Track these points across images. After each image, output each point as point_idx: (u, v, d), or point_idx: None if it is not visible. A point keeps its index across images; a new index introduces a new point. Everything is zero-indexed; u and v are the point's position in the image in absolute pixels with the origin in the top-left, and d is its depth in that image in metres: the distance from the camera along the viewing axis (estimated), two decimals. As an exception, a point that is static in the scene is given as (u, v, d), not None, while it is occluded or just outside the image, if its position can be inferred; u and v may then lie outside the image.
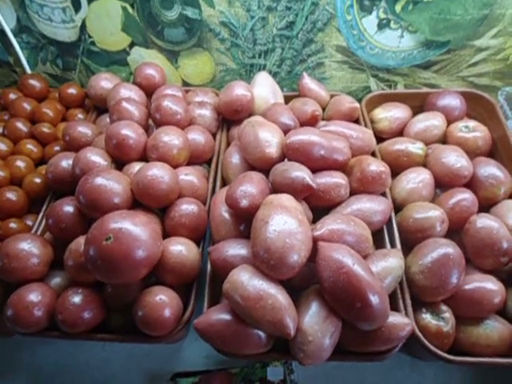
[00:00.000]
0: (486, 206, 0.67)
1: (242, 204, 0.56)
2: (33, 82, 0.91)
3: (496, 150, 0.76)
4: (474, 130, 0.74)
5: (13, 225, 0.70)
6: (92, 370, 0.69)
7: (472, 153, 0.72)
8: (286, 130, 0.67)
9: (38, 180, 0.75)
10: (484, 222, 0.60)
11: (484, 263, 0.60)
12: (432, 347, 0.54)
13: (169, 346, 0.70)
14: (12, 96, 0.89)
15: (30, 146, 0.81)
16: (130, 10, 0.86)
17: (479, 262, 0.61)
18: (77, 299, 0.56)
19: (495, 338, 0.56)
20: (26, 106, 0.87)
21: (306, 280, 0.54)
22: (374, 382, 0.66)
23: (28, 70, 0.98)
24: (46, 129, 0.84)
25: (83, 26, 0.89)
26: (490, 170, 0.68)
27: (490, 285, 0.57)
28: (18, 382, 0.69)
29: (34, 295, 0.57)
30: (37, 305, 0.56)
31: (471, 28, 0.80)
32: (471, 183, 0.68)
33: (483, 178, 0.67)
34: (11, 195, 0.73)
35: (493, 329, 0.57)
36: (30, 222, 0.73)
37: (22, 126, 0.84)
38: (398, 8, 0.79)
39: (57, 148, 0.81)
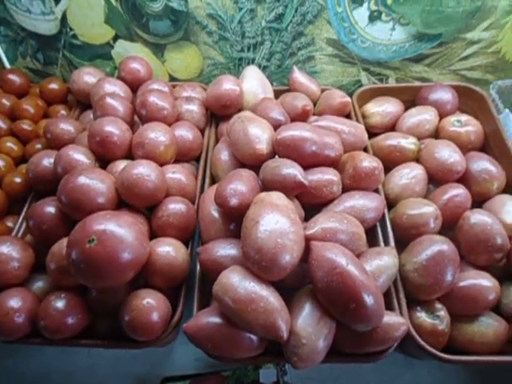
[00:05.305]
0: (480, 201, 0.67)
1: (232, 202, 0.54)
2: (12, 77, 0.88)
3: (488, 144, 0.75)
4: (466, 125, 0.74)
5: (-8, 227, 0.67)
6: (78, 376, 0.67)
7: (464, 147, 0.71)
8: (276, 126, 0.65)
9: (18, 180, 0.73)
10: (478, 217, 0.59)
11: (478, 259, 0.60)
12: (427, 347, 0.53)
13: (158, 349, 0.68)
14: (-10, 92, 0.86)
15: (10, 144, 0.79)
16: (113, 1, 0.82)
17: (473, 259, 0.60)
18: (60, 304, 0.54)
19: (490, 335, 0.56)
20: (5, 102, 0.84)
21: (298, 281, 0.53)
22: (368, 382, 0.65)
23: (7, 65, 0.95)
24: (26, 126, 0.81)
25: (64, 18, 0.86)
26: (483, 164, 0.67)
27: (484, 281, 0.57)
28: (0, 390, 0.67)
29: (15, 301, 0.55)
30: (17, 311, 0.54)
31: (463, 20, 0.79)
32: (464, 178, 0.67)
33: (476, 173, 0.67)
34: (-10, 196, 0.70)
35: (488, 326, 0.56)
36: (10, 224, 0.70)
37: (1, 123, 0.81)
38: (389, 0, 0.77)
39: (38, 146, 0.78)
